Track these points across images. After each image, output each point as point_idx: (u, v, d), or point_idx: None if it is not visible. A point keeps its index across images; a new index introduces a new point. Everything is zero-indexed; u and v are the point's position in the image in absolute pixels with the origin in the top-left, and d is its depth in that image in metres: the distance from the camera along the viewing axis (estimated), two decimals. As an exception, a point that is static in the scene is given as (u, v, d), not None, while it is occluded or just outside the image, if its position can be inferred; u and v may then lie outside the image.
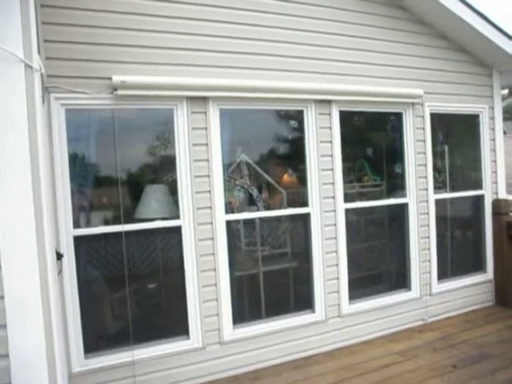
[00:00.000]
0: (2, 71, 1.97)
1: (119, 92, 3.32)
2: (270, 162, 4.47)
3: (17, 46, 1.99)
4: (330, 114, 4.21)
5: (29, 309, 2.03)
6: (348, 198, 4.40)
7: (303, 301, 4.25)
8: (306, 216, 4.18)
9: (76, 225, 3.36)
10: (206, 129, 3.68)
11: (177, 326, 3.73)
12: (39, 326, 2.05)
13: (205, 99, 3.67)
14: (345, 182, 4.36)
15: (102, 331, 3.66)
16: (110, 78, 3.31)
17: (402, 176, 4.77)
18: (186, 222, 3.64)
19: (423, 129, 4.78)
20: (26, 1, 2.03)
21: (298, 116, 4.18)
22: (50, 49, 3.14)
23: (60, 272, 3.12)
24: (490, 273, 5.31)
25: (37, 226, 2.07)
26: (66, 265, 3.26)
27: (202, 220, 3.68)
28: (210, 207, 3.71)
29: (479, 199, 5.31)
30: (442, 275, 4.97)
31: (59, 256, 3.04)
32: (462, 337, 4.34)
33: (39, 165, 2.09)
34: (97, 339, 3.53)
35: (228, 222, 3.83)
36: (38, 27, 2.61)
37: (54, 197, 3.16)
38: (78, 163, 3.46)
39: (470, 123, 5.29)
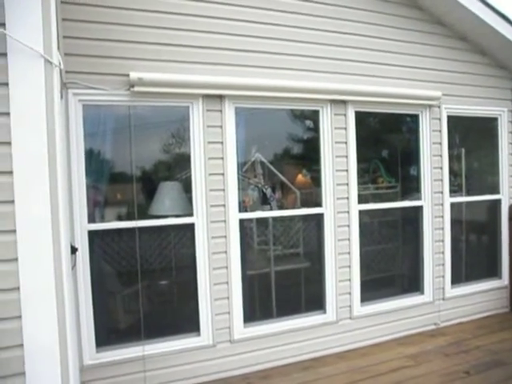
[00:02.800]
0: (23, 66, 2.00)
1: (136, 89, 3.35)
2: (284, 161, 4.46)
3: (37, 41, 2.01)
4: (345, 115, 4.19)
5: (43, 301, 2.06)
6: (362, 199, 4.37)
7: (314, 301, 4.24)
8: (320, 216, 4.17)
9: (91, 219, 3.40)
10: (221, 127, 3.69)
11: (188, 322, 3.74)
12: (53, 317, 2.08)
13: (221, 97, 3.68)
14: (359, 184, 4.33)
15: (114, 325, 3.70)
16: (128, 75, 3.34)
17: (417, 178, 4.72)
18: (199, 219, 3.65)
19: (440, 131, 4.72)
20: (48, -3, 2.06)
21: (314, 116, 4.17)
22: (69, 45, 3.17)
23: (74, 266, 3.15)
24: (505, 279, 5.22)
25: (53, 221, 2.09)
26: (80, 259, 3.30)
27: (216, 218, 3.69)
28: (224, 205, 3.72)
29: (496, 204, 5.23)
30: (456, 280, 4.91)
31: (74, 250, 3.08)
32: (475, 343, 4.28)
33: (56, 160, 2.11)
34: (108, 333, 3.56)
35: (241, 221, 3.83)
36: (58, 23, 2.64)
37: (70, 191, 3.20)
38: (93, 159, 3.49)
39: (487, 126, 5.21)
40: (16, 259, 2.02)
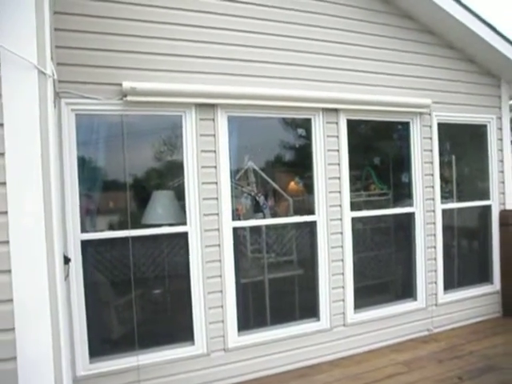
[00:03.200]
0: (16, 77, 2.00)
1: (129, 98, 3.36)
2: (276, 169, 4.49)
3: (31, 52, 2.01)
4: (337, 123, 4.22)
5: (37, 312, 2.04)
6: (354, 206, 4.40)
7: (308, 309, 4.24)
8: (313, 224, 4.19)
9: (83, 229, 3.38)
10: (214, 136, 3.71)
11: (182, 331, 3.73)
12: (47, 329, 2.06)
13: (213, 106, 3.69)
14: (351, 191, 4.36)
15: (108, 336, 3.68)
16: (120, 84, 3.34)
17: (409, 185, 4.77)
18: (192, 228, 3.65)
19: (431, 138, 4.78)
20: (41, 8, 2.06)
21: (306, 124, 4.20)
22: (62, 54, 3.18)
23: (67, 276, 3.13)
24: (497, 284, 5.27)
25: (46, 231, 2.08)
26: (73, 269, 3.27)
27: (209, 226, 3.69)
28: (217, 214, 3.72)
29: (486, 209, 5.29)
30: (449, 285, 4.94)
31: (67, 260, 3.05)
32: (468, 348, 4.30)
33: (50, 171, 2.11)
34: (102, 343, 3.54)
35: (235, 229, 3.84)
36: (51, 33, 2.64)
37: (63, 201, 3.18)
38: (86, 168, 3.48)
39: (477, 133, 5.29)
40: (9, 271, 2.00)
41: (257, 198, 4.28)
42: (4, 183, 1.99)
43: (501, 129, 5.26)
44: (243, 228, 4.04)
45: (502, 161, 5.28)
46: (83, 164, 3.43)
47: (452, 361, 4.05)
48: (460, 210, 5.20)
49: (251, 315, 4.11)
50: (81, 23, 3.28)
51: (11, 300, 2.00)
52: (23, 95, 2.02)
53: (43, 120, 2.07)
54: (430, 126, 4.77)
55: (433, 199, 4.80)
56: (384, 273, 4.88)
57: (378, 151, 4.94)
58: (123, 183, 3.60)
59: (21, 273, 2.02)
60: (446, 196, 5.06)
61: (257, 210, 4.25)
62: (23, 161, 2.03)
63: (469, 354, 4.17)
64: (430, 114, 4.75)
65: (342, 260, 4.27)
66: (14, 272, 2.01)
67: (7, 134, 1.99)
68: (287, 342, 4.00)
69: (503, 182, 5.30)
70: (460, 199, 5.22)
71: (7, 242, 2.00)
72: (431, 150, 4.78)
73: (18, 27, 2.00)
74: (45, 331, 2.05)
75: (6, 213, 2.00)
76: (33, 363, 2.03)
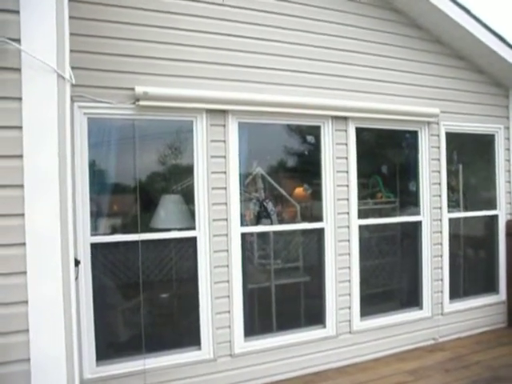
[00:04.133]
0: (36, 81, 2.03)
1: (141, 103, 3.38)
2: (285, 175, 4.49)
3: (51, 56, 2.05)
4: (346, 131, 4.24)
5: (51, 314, 2.06)
6: (361, 214, 4.40)
7: (314, 316, 4.24)
8: (320, 231, 4.19)
9: (93, 232, 3.40)
10: (224, 141, 3.73)
11: (189, 336, 3.73)
12: (60, 331, 2.08)
13: (224, 112, 3.72)
14: (358, 199, 4.37)
15: (115, 339, 3.68)
16: (133, 89, 3.37)
17: (416, 194, 4.78)
18: (201, 233, 3.66)
19: (438, 147, 4.79)
20: (62, 12, 2.10)
21: (315, 131, 4.21)
22: (75, 58, 3.17)
23: (76, 278, 3.14)
24: (502, 294, 5.26)
25: (62, 234, 2.11)
26: (82, 271, 3.28)
27: (218, 232, 3.70)
28: (226, 219, 3.73)
29: (493, 219, 5.28)
30: (454, 295, 4.93)
31: (76, 262, 3.06)
32: (474, 358, 4.29)
33: (66, 174, 2.14)
34: (109, 347, 3.54)
35: (243, 235, 3.85)
36: (67, 38, 2.68)
37: (74, 204, 3.20)
38: (97, 171, 3.51)
39: (485, 143, 5.30)
40: (25, 272, 2.02)
41: (265, 203, 4.28)
42: (21, 185, 2.02)
43: (508, 139, 5.27)
44: (251, 234, 4.06)
45: (509, 171, 5.28)
46: (94, 167, 3.46)
47: (458, 371, 4.03)
48: (466, 219, 5.20)
49: (258, 321, 4.11)
50: (94, 27, 3.31)
51: (26, 302, 2.02)
52: (42, 99, 2.05)
53: (61, 123, 2.11)
54: (438, 135, 4.78)
55: (440, 208, 4.80)
56: (390, 281, 4.87)
57: (386, 159, 4.94)
58: (133, 187, 3.62)
59: (36, 275, 2.04)
60: (452, 205, 5.07)
61: (265, 215, 4.25)
62: (41, 164, 2.06)
63: (475, 364, 4.15)
64: (438, 124, 4.76)
65: (349, 267, 4.27)
66: (29, 274, 2.02)
67: (26, 136, 2.03)
68: (293, 349, 3.99)
69: (510, 192, 5.30)
70: (467, 208, 5.22)
71: (24, 244, 2.02)
72: (439, 159, 4.79)
73: (39, 32, 2.04)
74: (59, 333, 2.07)
75: (22, 215, 2.02)
76: (46, 365, 2.05)
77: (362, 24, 4.32)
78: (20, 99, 2.00)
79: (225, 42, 3.72)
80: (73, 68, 3.13)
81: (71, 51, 3.12)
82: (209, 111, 3.66)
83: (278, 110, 3.86)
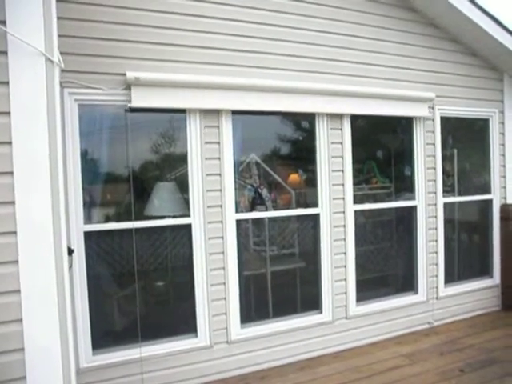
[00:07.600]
0: (24, 64, 1.97)
1: (133, 88, 3.31)
2: (279, 161, 4.45)
3: (38, 39, 1.99)
4: (340, 116, 4.20)
5: (44, 303, 2.03)
6: (357, 199, 4.39)
7: (310, 301, 4.24)
8: (316, 217, 4.18)
9: (86, 220, 3.36)
10: (218, 127, 3.68)
11: (185, 324, 3.71)
12: (54, 320, 2.05)
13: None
14: (354, 184, 4.35)
15: (110, 327, 3.65)
16: (124, 74, 3.30)
17: (411, 179, 4.76)
18: (196, 220, 3.63)
19: (433, 132, 4.76)
20: (48, -6, 2.03)
21: (310, 117, 4.16)
22: (65, 43, 3.11)
23: (70, 267, 3.11)
24: (496, 278, 5.29)
25: (54, 222, 2.07)
26: (76, 260, 3.25)
27: (213, 218, 3.67)
28: (221, 206, 3.70)
29: (487, 204, 5.30)
30: (449, 279, 4.96)
31: (70, 251, 3.02)
32: (468, 341, 4.32)
33: (57, 160, 2.09)
34: (105, 335, 3.52)
35: (238, 221, 3.82)
36: (56, 22, 2.61)
37: (66, 192, 3.14)
38: (89, 159, 3.45)
39: (479, 127, 5.28)
40: (16, 261, 1.98)
41: (259, 190, 4.25)
42: (11, 173, 1.97)
43: (503, 123, 5.25)
44: (246, 220, 4.02)
45: (503, 155, 5.28)
46: (86, 155, 3.40)
47: (453, 353, 4.07)
48: (461, 203, 5.20)
49: (254, 308, 4.10)
50: (84, 12, 3.22)
51: (18, 291, 1.99)
52: (30, 83, 1.99)
53: (51, 108, 2.05)
54: (433, 120, 4.76)
55: (435, 193, 4.80)
56: (385, 266, 4.88)
57: (381, 145, 4.91)
58: (126, 175, 3.56)
59: (28, 263, 2.01)
60: (447, 190, 5.06)
61: (259, 202, 4.22)
62: (31, 150, 2.01)
63: (469, 347, 4.19)
64: (432, 108, 4.73)
65: (345, 253, 4.27)
66: (21, 263, 1.99)
67: (14, 122, 1.97)
68: (289, 335, 4.00)
69: (504, 177, 5.30)
70: (461, 193, 5.22)
71: (14, 233, 1.99)
72: (434, 144, 4.77)
73: (26, 13, 1.97)
74: (52, 322, 2.04)
75: (13, 203, 1.98)
76: (40, 354, 2.02)
77: (355, 7, 4.25)
78: (7, 83, 1.94)
79: (219, 26, 3.64)
80: (62, 53, 3.05)
81: (60, 36, 3.07)
82: (202, 97, 3.59)
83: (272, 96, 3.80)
